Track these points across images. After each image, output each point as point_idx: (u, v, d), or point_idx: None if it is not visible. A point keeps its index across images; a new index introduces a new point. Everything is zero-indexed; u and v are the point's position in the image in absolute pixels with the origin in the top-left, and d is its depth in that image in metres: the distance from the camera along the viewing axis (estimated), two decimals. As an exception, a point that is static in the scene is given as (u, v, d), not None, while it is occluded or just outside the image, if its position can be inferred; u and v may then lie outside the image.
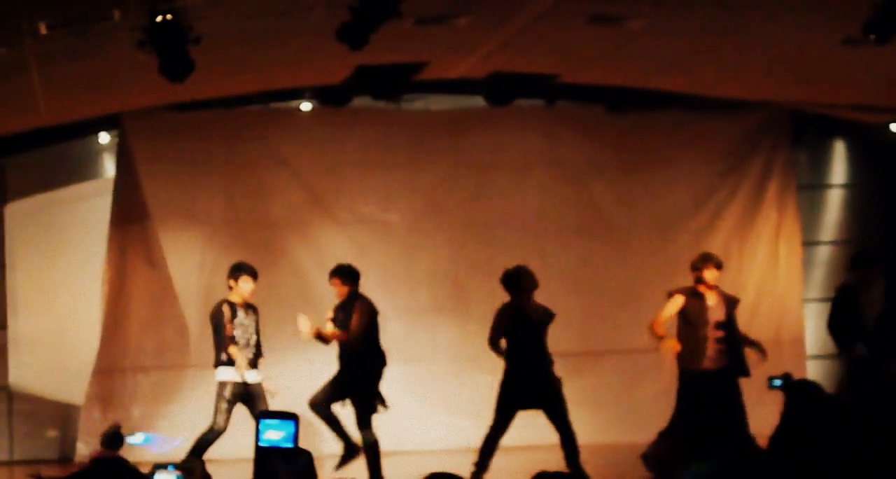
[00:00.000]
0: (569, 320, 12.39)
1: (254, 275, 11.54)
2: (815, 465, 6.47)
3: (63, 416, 13.64)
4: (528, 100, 14.11)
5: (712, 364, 11.50)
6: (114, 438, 8.64)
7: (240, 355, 11.30)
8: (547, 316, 11.50)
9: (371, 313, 11.41)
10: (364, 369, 11.37)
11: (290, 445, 4.87)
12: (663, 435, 10.52)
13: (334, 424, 11.36)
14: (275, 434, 4.88)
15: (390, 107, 13.92)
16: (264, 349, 11.64)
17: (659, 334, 11.58)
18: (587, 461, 11.21)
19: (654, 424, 11.33)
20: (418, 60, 12.17)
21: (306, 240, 14.10)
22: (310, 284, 13.91)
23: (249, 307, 11.57)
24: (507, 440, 11.35)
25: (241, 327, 11.45)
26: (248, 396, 11.40)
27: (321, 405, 11.32)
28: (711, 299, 11.61)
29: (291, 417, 4.90)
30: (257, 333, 11.55)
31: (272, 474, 4.82)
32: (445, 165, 14.41)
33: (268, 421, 4.88)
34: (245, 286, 11.52)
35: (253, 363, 11.46)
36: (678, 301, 11.58)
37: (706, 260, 11.68)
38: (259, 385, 11.47)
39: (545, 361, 11.38)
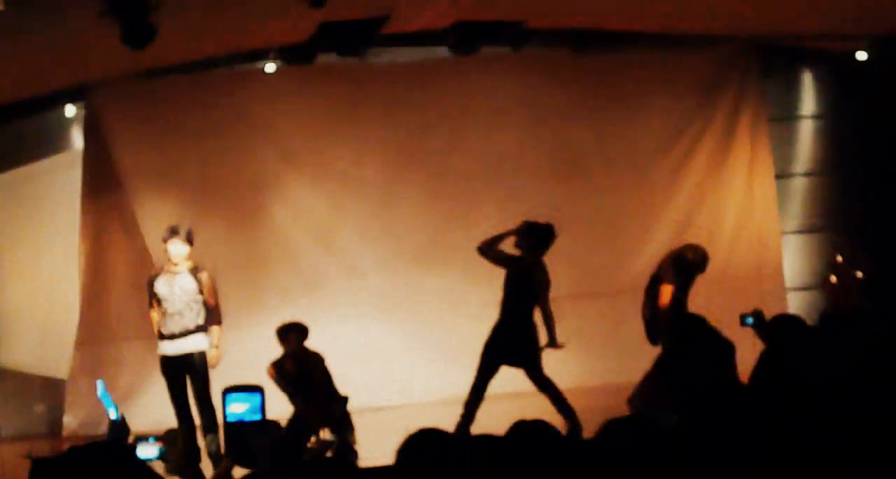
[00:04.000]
0: (549, 264, 12.37)
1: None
2: (800, 400, 6.43)
3: (49, 390, 13.60)
4: (493, 47, 14.01)
5: None
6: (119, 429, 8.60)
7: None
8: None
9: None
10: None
11: (257, 417, 4.85)
12: (648, 378, 10.47)
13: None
14: (240, 407, 4.86)
15: (356, 63, 13.81)
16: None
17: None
18: (575, 405, 11.22)
19: (641, 365, 11.32)
20: (380, 14, 12.09)
21: (282, 199, 14.06)
22: (288, 242, 13.95)
23: None
24: (493, 388, 11.33)
25: None
26: None
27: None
28: None
29: (256, 389, 4.89)
30: None
31: (245, 447, 4.80)
32: (416, 117, 14.32)
33: (233, 395, 4.87)
34: None
35: None
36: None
37: None
38: None
39: (532, 323, 11.33)
